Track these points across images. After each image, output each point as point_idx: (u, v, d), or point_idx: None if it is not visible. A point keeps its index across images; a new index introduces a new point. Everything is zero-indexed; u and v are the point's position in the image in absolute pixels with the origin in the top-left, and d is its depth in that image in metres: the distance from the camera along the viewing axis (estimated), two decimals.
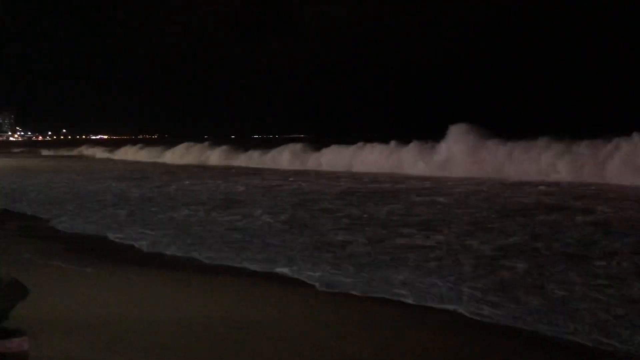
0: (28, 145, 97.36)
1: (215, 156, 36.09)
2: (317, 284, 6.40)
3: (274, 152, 31.79)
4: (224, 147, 36.98)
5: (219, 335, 4.72)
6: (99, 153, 53.41)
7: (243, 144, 39.65)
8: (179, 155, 39.06)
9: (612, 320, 4.93)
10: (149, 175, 25.07)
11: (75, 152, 60.77)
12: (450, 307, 5.49)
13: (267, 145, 36.71)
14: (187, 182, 20.93)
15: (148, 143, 57.79)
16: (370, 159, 26.19)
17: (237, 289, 6.45)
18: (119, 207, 13.81)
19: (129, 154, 47.01)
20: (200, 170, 28.43)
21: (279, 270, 7.15)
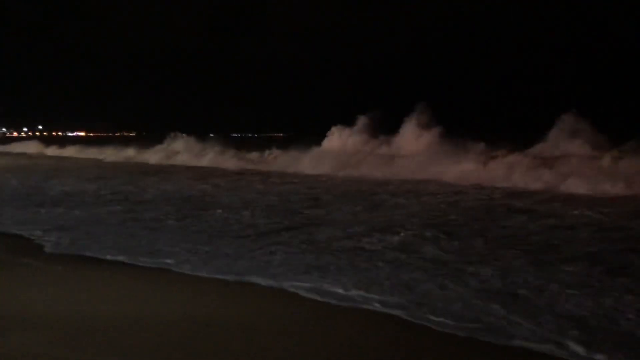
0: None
1: (156, 155, 35.94)
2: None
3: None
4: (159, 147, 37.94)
5: (183, 333, 4.83)
6: (51, 151, 52.21)
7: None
8: (115, 152, 39.60)
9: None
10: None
11: (26, 149, 58.19)
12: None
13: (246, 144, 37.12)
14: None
15: (108, 141, 57.79)
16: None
17: (202, 289, 6.59)
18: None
19: (76, 151, 47.21)
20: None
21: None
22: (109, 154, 39.93)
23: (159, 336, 4.72)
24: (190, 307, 5.68)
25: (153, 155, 35.64)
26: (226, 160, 29.27)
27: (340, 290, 6.25)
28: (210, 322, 5.13)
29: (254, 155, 30.40)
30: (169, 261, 7.81)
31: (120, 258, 8.03)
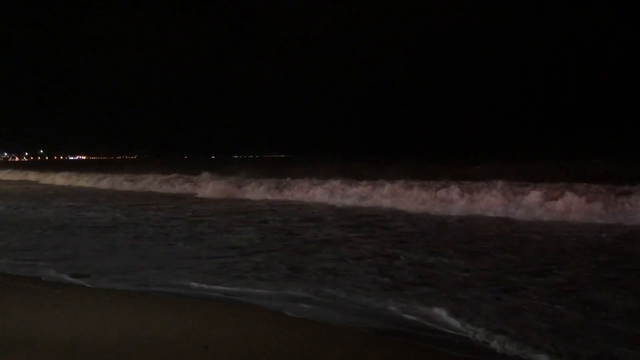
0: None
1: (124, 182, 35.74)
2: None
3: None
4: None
5: (182, 356, 4.83)
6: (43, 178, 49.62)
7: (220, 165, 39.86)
8: (96, 180, 38.58)
9: None
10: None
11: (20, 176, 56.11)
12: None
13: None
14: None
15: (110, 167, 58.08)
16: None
17: (197, 309, 6.60)
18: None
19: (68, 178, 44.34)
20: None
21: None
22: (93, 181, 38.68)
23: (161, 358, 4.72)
24: (188, 328, 5.67)
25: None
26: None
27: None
28: (209, 343, 5.14)
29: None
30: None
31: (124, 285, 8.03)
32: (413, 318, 6.04)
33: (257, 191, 23.50)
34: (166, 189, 29.68)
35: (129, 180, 34.52)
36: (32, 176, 51.06)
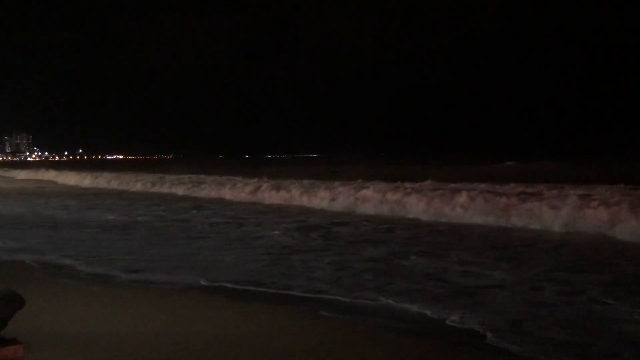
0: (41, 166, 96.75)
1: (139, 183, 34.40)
2: None
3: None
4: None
5: (216, 353, 4.81)
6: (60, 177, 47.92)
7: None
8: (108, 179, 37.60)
9: None
10: None
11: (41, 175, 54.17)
12: None
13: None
14: None
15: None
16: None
17: (231, 306, 6.58)
18: None
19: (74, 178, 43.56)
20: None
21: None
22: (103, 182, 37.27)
23: (193, 357, 4.71)
24: (226, 328, 5.65)
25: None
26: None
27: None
28: (246, 341, 5.10)
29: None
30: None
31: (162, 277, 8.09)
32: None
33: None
34: (237, 195, 23.81)
35: (195, 184, 28.72)
36: (68, 178, 44.80)
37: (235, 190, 24.69)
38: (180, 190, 27.90)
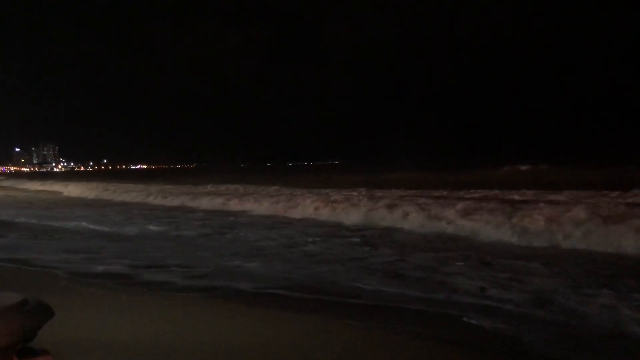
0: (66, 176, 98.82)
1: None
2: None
3: None
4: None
5: None
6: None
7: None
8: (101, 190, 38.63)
9: None
10: None
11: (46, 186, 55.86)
12: None
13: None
14: None
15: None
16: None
17: (259, 316, 6.48)
18: None
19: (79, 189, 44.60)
20: None
21: None
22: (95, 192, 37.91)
23: None
24: (253, 337, 5.55)
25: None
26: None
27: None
28: (280, 350, 4.99)
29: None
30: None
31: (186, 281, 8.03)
32: None
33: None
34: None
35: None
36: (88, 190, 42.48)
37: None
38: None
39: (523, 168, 49.88)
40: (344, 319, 6.13)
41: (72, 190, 43.55)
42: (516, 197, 19.88)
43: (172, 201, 27.05)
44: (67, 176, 77.01)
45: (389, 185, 28.60)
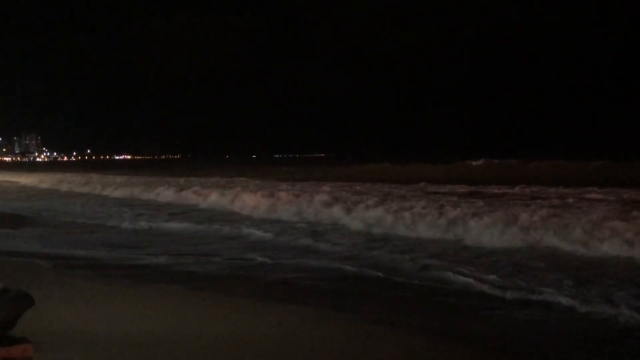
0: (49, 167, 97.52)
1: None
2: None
3: None
4: None
5: (225, 354, 4.80)
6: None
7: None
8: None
9: None
10: None
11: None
12: None
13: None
14: None
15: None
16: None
17: (243, 305, 6.58)
18: None
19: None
20: None
21: None
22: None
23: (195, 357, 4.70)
24: (242, 327, 5.64)
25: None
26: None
27: None
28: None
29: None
30: None
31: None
32: None
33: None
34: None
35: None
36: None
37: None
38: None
39: (475, 163, 47.24)
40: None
41: (27, 180, 43.44)
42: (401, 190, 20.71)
43: (92, 189, 29.17)
44: (45, 166, 75.86)
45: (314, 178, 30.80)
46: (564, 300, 6.44)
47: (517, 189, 20.41)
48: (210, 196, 20.39)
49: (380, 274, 8.16)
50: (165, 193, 23.61)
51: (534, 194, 18.54)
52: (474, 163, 46.62)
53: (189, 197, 21.77)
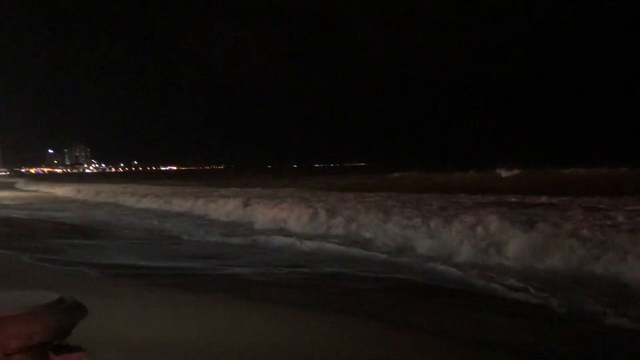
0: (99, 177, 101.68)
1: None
2: None
3: None
4: None
5: None
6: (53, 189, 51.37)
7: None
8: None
9: None
10: None
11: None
12: None
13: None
14: None
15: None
16: None
17: (282, 314, 6.51)
18: None
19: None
20: None
21: None
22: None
23: None
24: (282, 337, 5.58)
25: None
26: None
27: None
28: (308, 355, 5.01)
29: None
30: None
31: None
32: None
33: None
34: None
35: None
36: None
37: None
38: None
39: (507, 173, 41.28)
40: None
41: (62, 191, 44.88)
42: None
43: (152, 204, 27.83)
44: (93, 178, 78.96)
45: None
46: None
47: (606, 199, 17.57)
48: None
49: None
50: (225, 209, 21.15)
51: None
52: (504, 173, 42.11)
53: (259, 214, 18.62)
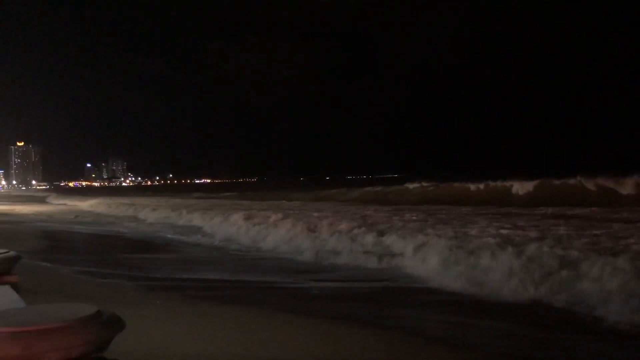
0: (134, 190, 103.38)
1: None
2: None
3: None
4: None
5: None
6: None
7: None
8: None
9: None
10: None
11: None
12: None
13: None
14: None
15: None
16: None
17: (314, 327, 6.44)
18: None
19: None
20: None
21: None
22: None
23: None
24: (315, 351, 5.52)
25: None
26: None
27: None
28: None
29: None
30: None
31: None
32: None
33: None
34: None
35: None
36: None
37: None
38: None
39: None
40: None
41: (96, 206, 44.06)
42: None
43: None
44: (127, 191, 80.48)
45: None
46: None
47: None
48: None
49: None
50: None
51: None
52: (522, 185, 36.46)
53: None
